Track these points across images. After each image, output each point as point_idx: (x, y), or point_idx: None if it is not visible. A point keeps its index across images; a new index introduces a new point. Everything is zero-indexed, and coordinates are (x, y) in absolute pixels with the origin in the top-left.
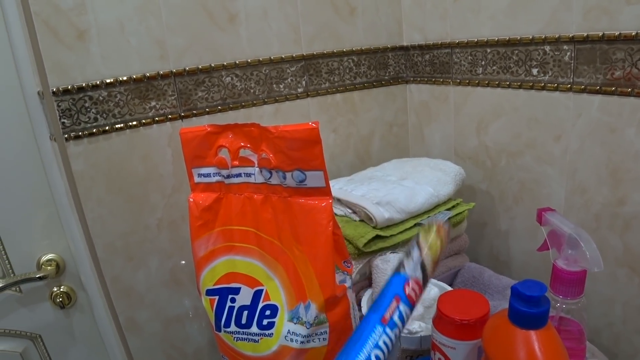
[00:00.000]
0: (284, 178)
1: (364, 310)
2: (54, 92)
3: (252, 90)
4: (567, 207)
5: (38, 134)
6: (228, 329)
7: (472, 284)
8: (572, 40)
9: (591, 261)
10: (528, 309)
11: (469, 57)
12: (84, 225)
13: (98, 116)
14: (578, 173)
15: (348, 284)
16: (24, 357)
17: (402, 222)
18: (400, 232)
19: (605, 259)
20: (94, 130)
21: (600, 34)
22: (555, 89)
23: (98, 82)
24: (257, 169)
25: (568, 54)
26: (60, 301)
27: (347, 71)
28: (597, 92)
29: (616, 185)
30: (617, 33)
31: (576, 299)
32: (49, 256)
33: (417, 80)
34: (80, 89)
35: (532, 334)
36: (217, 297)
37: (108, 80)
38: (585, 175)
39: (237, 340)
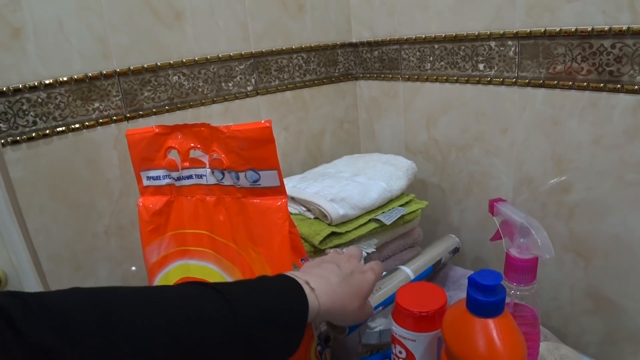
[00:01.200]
0: (237, 179)
1: None
2: None
3: (200, 89)
4: (515, 196)
5: None
6: None
7: (444, 281)
8: (516, 36)
9: (542, 248)
10: (485, 298)
11: (417, 53)
12: (26, 235)
13: (37, 119)
14: (525, 164)
15: None
16: None
17: (357, 218)
18: (355, 228)
19: (552, 245)
20: (33, 135)
21: (542, 29)
22: (501, 84)
23: (36, 84)
24: (208, 170)
25: (512, 49)
26: None
27: (297, 68)
28: (540, 86)
29: (560, 175)
30: (558, 29)
31: (529, 286)
32: None
33: (367, 76)
34: (17, 90)
35: (490, 322)
36: None
37: (47, 81)
38: (532, 166)
39: None
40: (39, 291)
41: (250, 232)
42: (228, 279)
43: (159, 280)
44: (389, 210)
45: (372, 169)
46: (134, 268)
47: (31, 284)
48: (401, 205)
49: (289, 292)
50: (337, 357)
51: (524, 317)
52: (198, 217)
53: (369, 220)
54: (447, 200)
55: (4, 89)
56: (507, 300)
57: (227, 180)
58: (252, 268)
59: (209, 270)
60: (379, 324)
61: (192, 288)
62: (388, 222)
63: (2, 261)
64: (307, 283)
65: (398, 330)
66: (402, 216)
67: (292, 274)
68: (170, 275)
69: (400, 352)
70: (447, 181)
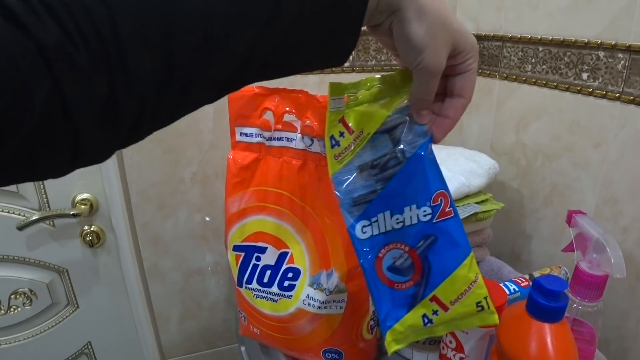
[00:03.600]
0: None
1: None
2: None
3: None
4: (596, 215)
5: None
6: (249, 286)
7: (490, 277)
8: (628, 49)
9: (615, 267)
10: (546, 302)
11: (520, 53)
12: (122, 170)
13: None
14: (613, 183)
15: None
16: (49, 288)
17: None
18: None
19: (626, 271)
20: None
21: None
22: (603, 96)
23: None
24: (299, 135)
25: (622, 62)
26: (90, 240)
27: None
28: None
29: None
30: None
31: (593, 303)
32: (84, 196)
33: None
34: None
35: (547, 327)
36: (243, 254)
37: None
38: (620, 186)
39: (256, 297)
40: None
41: (328, 200)
42: (300, 239)
43: (235, 230)
44: (463, 205)
45: (454, 162)
46: (208, 219)
47: (117, 215)
48: (477, 203)
49: None
50: None
51: (581, 332)
52: (282, 178)
53: None
54: (524, 206)
55: None
56: (568, 312)
57: (315, 148)
58: (324, 234)
59: (283, 229)
60: None
61: None
62: (460, 216)
63: (96, 189)
64: None
65: None
66: (476, 213)
67: None
68: (246, 226)
69: (450, 342)
70: (527, 187)
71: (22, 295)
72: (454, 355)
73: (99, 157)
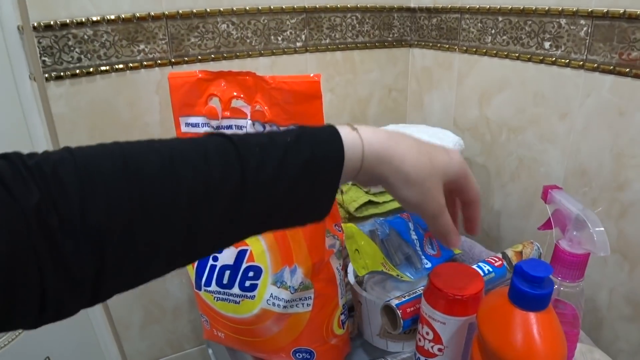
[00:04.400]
0: None
1: (350, 277)
2: (34, 27)
3: (248, 40)
4: (565, 187)
5: (17, 72)
6: (209, 288)
7: (462, 257)
8: (590, 15)
9: (598, 245)
10: (531, 290)
11: (479, 25)
12: None
13: (82, 56)
14: (580, 154)
15: (337, 248)
16: None
17: None
18: (393, 200)
19: None
20: (77, 72)
21: (622, 10)
22: (567, 65)
23: (83, 20)
24: (249, 121)
25: (584, 29)
26: None
27: (350, 28)
28: (610, 72)
29: (618, 170)
30: (639, 11)
31: (575, 283)
32: None
33: (422, 44)
34: (64, 25)
35: (532, 316)
36: None
37: (94, 18)
38: (588, 157)
39: (217, 300)
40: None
41: None
42: (258, 235)
43: None
44: None
45: None
46: None
47: None
48: None
49: (320, 133)
50: (359, 328)
51: (563, 315)
52: None
53: None
54: (491, 182)
55: (52, 22)
56: None
57: None
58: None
59: None
60: None
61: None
62: None
63: None
64: (350, 125)
65: (429, 310)
66: None
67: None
68: None
69: (427, 333)
70: (493, 163)
71: None
72: (432, 347)
73: (65, 312)
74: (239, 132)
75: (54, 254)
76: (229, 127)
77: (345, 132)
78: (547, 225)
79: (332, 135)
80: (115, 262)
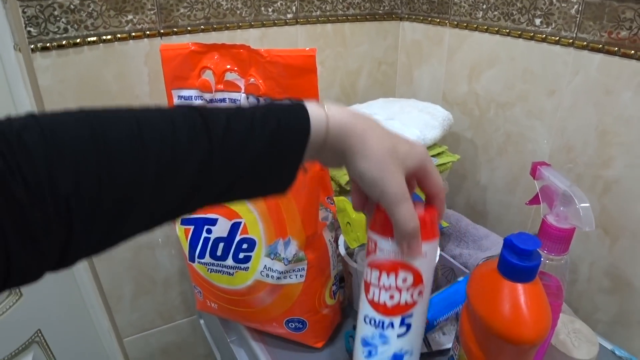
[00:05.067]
0: None
1: (341, 249)
2: None
3: (238, 12)
4: (551, 163)
5: (1, 43)
6: (202, 260)
7: (449, 230)
8: None
9: (583, 220)
10: (520, 262)
11: None
12: None
13: (68, 27)
14: (566, 131)
15: (330, 220)
16: None
17: None
18: None
19: None
20: (64, 42)
21: None
22: (556, 43)
23: None
24: (243, 95)
25: (575, 7)
26: None
27: (340, 0)
28: (599, 51)
29: (603, 148)
30: None
31: (560, 256)
32: None
33: (412, 18)
34: None
35: (520, 287)
36: (192, 227)
37: None
38: (574, 134)
39: (211, 271)
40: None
41: None
42: (252, 208)
43: None
44: None
45: (407, 114)
46: None
47: None
48: (432, 156)
49: (287, 106)
50: (349, 298)
51: (547, 286)
52: None
53: None
54: (478, 157)
55: None
56: None
57: None
58: (278, 201)
59: None
60: None
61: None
62: None
63: None
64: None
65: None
66: None
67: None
68: None
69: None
70: (481, 138)
71: None
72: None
73: (30, 277)
74: (232, 105)
75: (20, 224)
76: (223, 100)
77: (312, 107)
78: (535, 200)
79: (298, 108)
80: (82, 231)
